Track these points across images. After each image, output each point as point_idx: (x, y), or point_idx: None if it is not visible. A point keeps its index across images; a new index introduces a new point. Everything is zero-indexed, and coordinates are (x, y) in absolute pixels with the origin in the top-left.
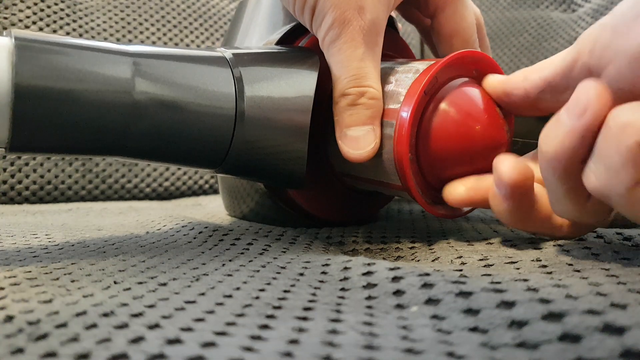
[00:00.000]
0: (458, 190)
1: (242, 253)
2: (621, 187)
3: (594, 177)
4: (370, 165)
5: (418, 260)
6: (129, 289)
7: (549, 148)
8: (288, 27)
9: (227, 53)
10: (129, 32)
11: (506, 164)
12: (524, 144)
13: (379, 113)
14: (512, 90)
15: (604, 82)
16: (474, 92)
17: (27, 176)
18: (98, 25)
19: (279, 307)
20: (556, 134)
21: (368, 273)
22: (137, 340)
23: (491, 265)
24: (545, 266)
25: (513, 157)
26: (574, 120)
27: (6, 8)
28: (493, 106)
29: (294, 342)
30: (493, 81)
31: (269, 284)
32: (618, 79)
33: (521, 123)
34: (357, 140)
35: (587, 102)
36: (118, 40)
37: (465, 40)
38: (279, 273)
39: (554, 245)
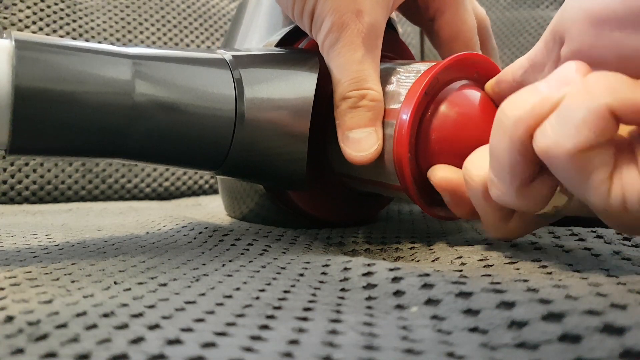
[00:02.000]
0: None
1: (242, 254)
2: (570, 146)
3: (549, 130)
4: (370, 166)
5: (418, 261)
6: (129, 289)
7: (514, 112)
8: (288, 28)
9: (227, 55)
10: (129, 32)
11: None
12: None
13: (380, 115)
14: (502, 76)
15: (583, 63)
16: (474, 94)
17: (27, 176)
18: (98, 25)
19: (279, 308)
20: (527, 99)
21: (368, 274)
22: (137, 340)
23: (491, 265)
24: (545, 266)
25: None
26: (552, 89)
27: (6, 8)
28: (493, 108)
29: (294, 342)
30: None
31: (269, 284)
32: (579, 40)
33: None
34: (359, 143)
35: (571, 75)
36: (118, 40)
37: (465, 43)
38: (279, 273)
39: (554, 246)
